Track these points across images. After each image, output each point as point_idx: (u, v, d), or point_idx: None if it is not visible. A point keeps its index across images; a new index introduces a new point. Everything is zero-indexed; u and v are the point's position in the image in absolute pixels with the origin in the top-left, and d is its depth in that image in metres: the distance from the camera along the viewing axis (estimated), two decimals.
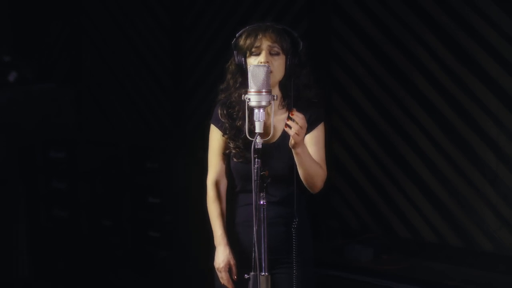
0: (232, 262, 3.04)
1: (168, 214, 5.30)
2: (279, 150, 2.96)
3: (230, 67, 3.04)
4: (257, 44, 2.93)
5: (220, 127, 3.06)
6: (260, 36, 2.92)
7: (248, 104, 2.79)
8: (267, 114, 2.83)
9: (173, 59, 6.31)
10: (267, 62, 2.90)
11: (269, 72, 2.79)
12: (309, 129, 2.96)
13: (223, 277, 3.05)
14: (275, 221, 3.00)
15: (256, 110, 2.79)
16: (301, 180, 2.96)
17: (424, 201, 5.04)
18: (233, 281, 3.05)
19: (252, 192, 2.78)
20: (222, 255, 3.05)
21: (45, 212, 5.97)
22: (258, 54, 2.94)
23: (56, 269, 5.83)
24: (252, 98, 2.78)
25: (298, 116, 2.76)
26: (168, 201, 5.30)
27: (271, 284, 2.93)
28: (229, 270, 3.05)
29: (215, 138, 3.08)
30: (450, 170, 4.90)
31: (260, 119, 2.79)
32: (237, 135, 3.01)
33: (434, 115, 4.95)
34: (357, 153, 5.32)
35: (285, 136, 2.95)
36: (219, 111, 3.07)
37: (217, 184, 3.11)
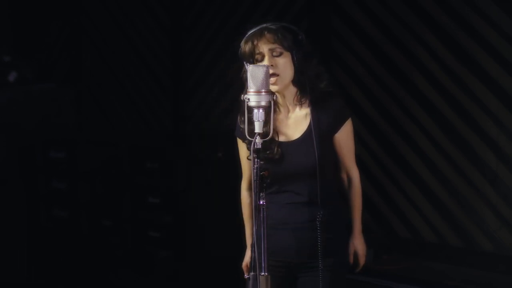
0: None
1: (168, 214, 5.30)
2: (304, 145, 2.96)
3: (244, 75, 2.98)
4: (257, 50, 2.92)
5: (240, 135, 3.06)
6: (256, 42, 2.91)
7: (247, 104, 2.81)
8: (283, 113, 2.91)
9: (173, 59, 6.31)
10: (272, 65, 2.90)
11: (268, 72, 2.82)
12: (337, 126, 3.01)
13: (246, 276, 3.14)
14: (305, 225, 3.01)
15: (255, 110, 2.82)
16: (329, 175, 3.02)
17: (424, 201, 5.03)
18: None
19: (282, 191, 2.94)
20: (246, 256, 3.20)
21: (45, 212, 5.97)
22: (262, 60, 2.93)
23: (56, 269, 5.82)
24: (252, 98, 2.81)
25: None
26: (168, 201, 5.30)
27: None
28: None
29: (241, 147, 3.13)
30: (450, 170, 4.90)
31: (260, 119, 2.81)
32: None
33: (434, 115, 4.94)
34: (357, 153, 5.31)
35: (309, 131, 2.96)
36: (238, 120, 3.06)
37: (248, 188, 3.16)
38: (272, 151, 2.94)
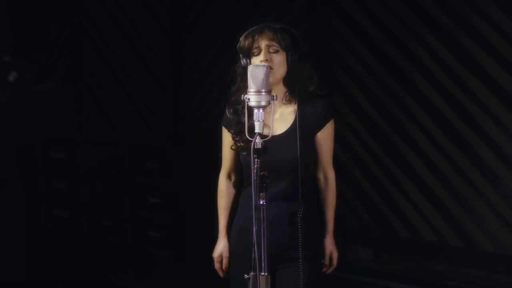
0: (225, 255, 3.19)
1: (168, 214, 5.30)
2: (288, 140, 3.02)
3: (239, 70, 3.10)
4: (255, 45, 3.02)
5: (227, 124, 3.16)
6: (257, 37, 3.02)
7: (247, 104, 2.83)
8: (270, 108, 2.92)
9: (173, 59, 6.31)
10: (267, 60, 2.99)
11: (268, 72, 2.87)
12: (320, 125, 3.09)
13: (215, 266, 3.22)
14: (283, 219, 3.04)
15: (255, 110, 2.84)
16: (310, 171, 3.09)
17: (424, 201, 5.03)
18: (225, 272, 3.21)
19: None
20: (217, 247, 3.22)
21: (45, 212, 5.97)
22: (258, 54, 3.03)
23: (56, 269, 5.82)
24: (252, 98, 2.84)
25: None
26: (168, 201, 5.30)
27: (274, 281, 3.02)
28: (223, 262, 3.21)
29: (226, 137, 3.19)
30: (450, 170, 4.90)
31: (260, 119, 2.84)
32: (242, 130, 3.06)
33: (434, 115, 4.94)
34: (357, 153, 5.32)
35: (294, 127, 3.03)
36: (227, 111, 3.15)
37: (227, 179, 3.24)
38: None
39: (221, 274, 3.21)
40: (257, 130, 2.83)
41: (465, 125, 4.82)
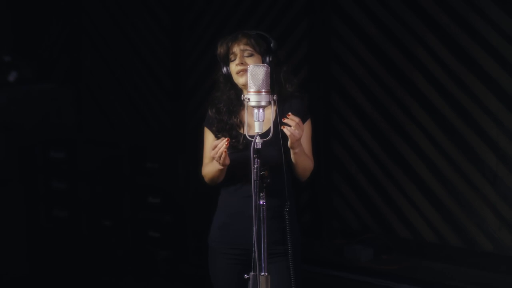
0: (216, 142, 3.01)
1: (168, 214, 5.30)
2: (269, 140, 3.00)
3: (220, 78, 3.22)
4: (230, 51, 3.15)
5: (209, 125, 3.21)
6: (231, 44, 3.16)
7: (247, 104, 2.85)
8: (250, 108, 2.94)
9: (173, 59, 6.31)
10: (242, 63, 3.09)
11: (268, 72, 2.86)
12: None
13: (217, 153, 3.00)
14: (269, 214, 3.03)
15: (255, 110, 2.86)
16: (292, 169, 3.12)
17: (424, 201, 5.04)
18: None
19: (240, 183, 3.07)
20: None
21: (45, 212, 5.97)
22: (234, 60, 3.14)
23: (56, 269, 5.83)
24: (252, 98, 2.85)
25: (293, 120, 2.93)
26: (168, 201, 5.30)
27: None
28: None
29: (207, 137, 3.24)
30: (450, 170, 4.90)
31: (260, 119, 2.85)
32: (224, 127, 3.16)
33: (434, 115, 4.95)
34: (357, 153, 5.32)
35: (274, 127, 3.03)
36: (209, 111, 3.23)
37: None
38: (237, 140, 3.08)
39: (222, 160, 3.00)
40: (257, 130, 2.84)
41: (465, 125, 4.82)
